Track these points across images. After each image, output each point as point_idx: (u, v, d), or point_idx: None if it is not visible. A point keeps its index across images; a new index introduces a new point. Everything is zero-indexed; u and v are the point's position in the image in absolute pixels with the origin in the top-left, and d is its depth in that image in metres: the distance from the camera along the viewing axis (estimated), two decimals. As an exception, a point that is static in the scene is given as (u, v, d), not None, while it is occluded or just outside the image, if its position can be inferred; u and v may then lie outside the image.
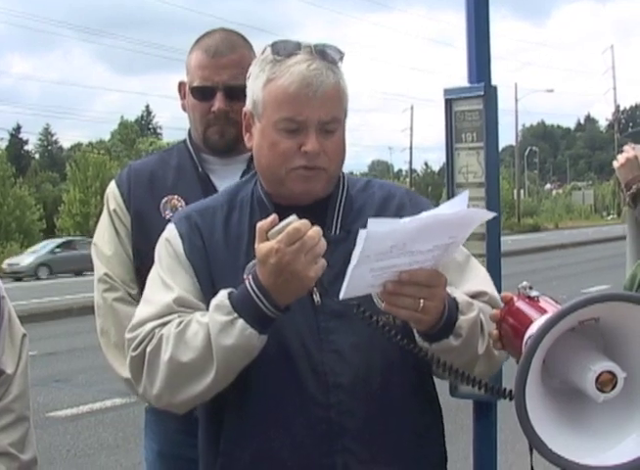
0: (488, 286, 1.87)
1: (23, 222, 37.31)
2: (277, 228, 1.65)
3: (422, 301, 1.63)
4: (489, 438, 2.51)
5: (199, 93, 2.41)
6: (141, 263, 2.40)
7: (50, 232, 37.83)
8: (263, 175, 1.86)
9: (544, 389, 1.48)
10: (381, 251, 1.55)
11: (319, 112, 1.76)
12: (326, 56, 1.79)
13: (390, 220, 1.58)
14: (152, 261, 2.33)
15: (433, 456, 1.90)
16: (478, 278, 1.88)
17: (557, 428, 1.45)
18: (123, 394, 7.81)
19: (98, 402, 8.70)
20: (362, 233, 1.52)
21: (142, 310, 1.84)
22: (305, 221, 1.64)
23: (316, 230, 1.64)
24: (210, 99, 2.39)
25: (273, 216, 1.68)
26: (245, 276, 1.76)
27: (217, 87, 2.38)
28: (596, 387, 1.40)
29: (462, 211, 1.61)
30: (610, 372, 1.40)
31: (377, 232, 1.52)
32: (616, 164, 3.24)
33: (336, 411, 1.77)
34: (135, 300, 2.39)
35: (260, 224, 1.68)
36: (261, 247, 1.66)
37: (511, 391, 1.48)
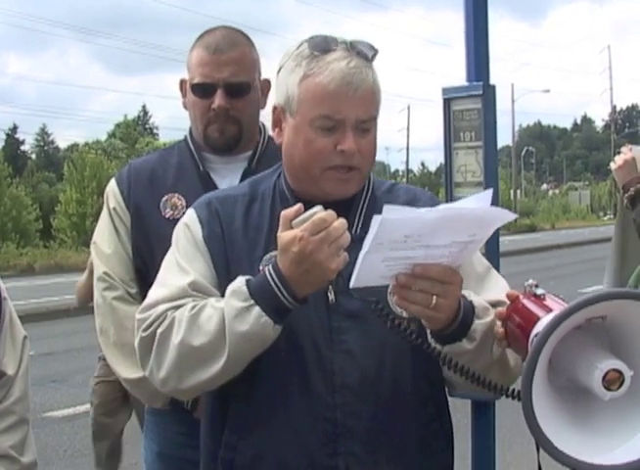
0: None
1: (20, 223, 37.17)
2: (302, 217, 1.63)
3: (435, 297, 1.60)
4: (487, 437, 2.51)
5: (199, 90, 2.39)
6: (141, 262, 2.40)
7: (46, 232, 37.75)
8: (294, 173, 1.83)
9: (551, 387, 1.47)
10: (394, 239, 1.52)
11: (357, 110, 1.74)
12: (361, 53, 1.77)
13: (407, 209, 1.54)
14: (151, 260, 2.32)
15: (438, 466, 1.87)
16: (496, 288, 1.85)
17: (563, 426, 1.44)
18: (120, 394, 7.78)
19: (95, 403, 8.68)
20: (376, 219, 1.49)
21: (155, 292, 1.81)
22: (331, 212, 1.63)
23: (342, 222, 1.62)
24: (211, 96, 2.38)
25: (299, 205, 1.66)
26: (261, 268, 1.75)
27: (218, 84, 2.36)
28: (603, 385, 1.39)
29: (483, 208, 1.57)
30: (617, 370, 1.40)
31: (391, 219, 1.49)
32: (613, 165, 3.23)
33: (341, 412, 1.75)
34: (135, 299, 2.39)
35: (285, 212, 1.66)
36: (284, 235, 1.64)
37: (519, 391, 1.47)
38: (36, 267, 28.63)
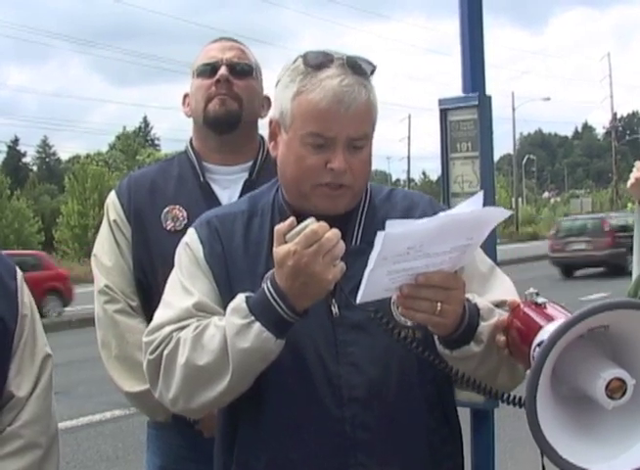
0: (512, 296, 1.81)
1: (22, 235, 37.27)
2: (295, 231, 1.64)
3: (439, 304, 1.60)
4: (487, 445, 2.49)
5: (203, 71, 2.45)
6: (142, 274, 2.39)
7: (49, 244, 37.79)
8: (287, 187, 1.84)
9: (555, 396, 1.48)
10: (398, 252, 1.54)
11: (349, 129, 1.73)
12: (358, 69, 1.75)
13: (408, 221, 1.56)
14: (152, 272, 2.33)
15: None
16: (501, 288, 1.85)
17: (567, 435, 1.45)
18: (123, 405, 7.80)
19: (97, 414, 8.69)
20: (380, 235, 1.50)
21: (161, 314, 1.82)
22: (323, 223, 1.63)
23: (334, 232, 1.62)
24: (214, 75, 2.43)
25: (291, 219, 1.66)
26: (263, 284, 1.74)
27: (221, 62, 2.43)
28: (606, 394, 1.40)
29: (478, 210, 1.59)
30: (619, 379, 1.40)
31: (394, 234, 1.51)
32: (628, 183, 3.34)
33: (350, 425, 1.75)
34: (136, 311, 2.38)
35: (278, 227, 1.66)
36: (279, 249, 1.64)
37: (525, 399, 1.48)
38: (38, 279, 28.59)
